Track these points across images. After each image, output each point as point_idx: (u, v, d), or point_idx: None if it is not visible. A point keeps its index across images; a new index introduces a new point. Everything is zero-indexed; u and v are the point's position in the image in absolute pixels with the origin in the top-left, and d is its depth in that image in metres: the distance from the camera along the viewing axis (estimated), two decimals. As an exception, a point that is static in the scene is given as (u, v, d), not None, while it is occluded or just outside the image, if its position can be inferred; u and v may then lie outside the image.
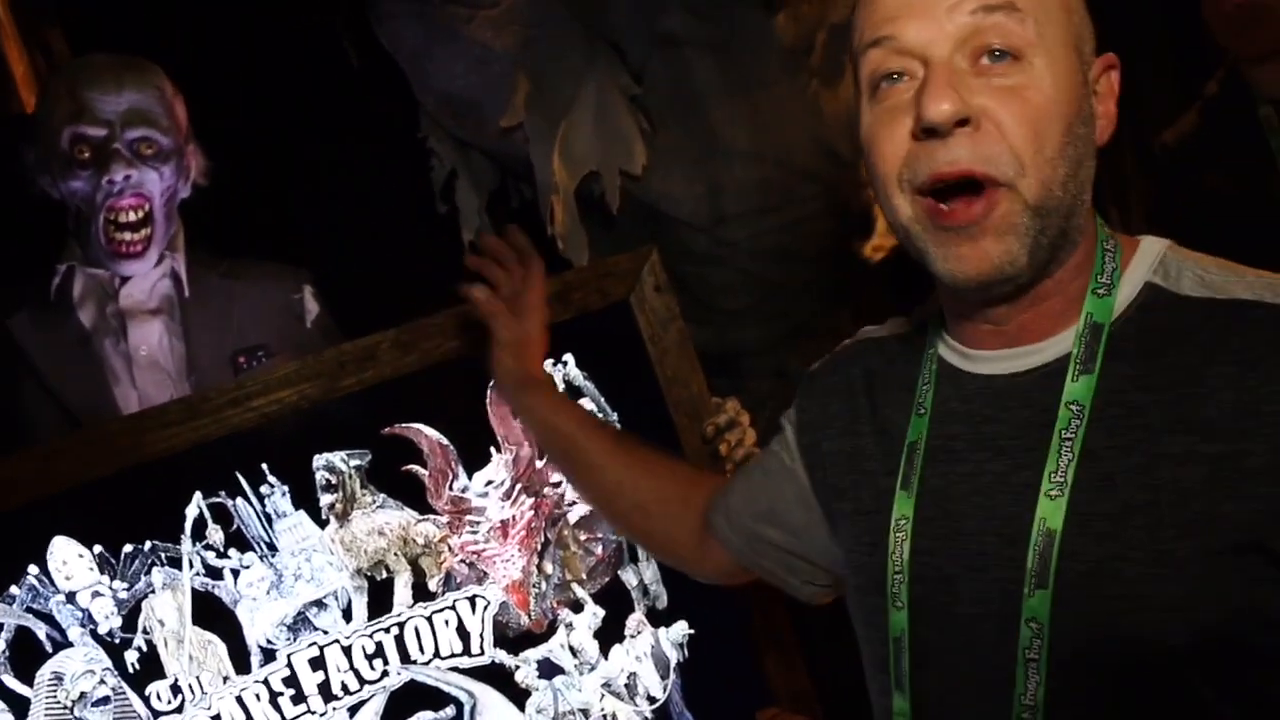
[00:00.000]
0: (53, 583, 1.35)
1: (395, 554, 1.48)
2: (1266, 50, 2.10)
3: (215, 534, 1.41)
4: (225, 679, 1.40)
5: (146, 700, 1.37)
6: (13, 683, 1.33)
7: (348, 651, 1.45)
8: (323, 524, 1.46)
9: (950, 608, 0.95)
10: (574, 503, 1.56)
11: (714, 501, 1.25)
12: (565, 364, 1.58)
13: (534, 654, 1.52)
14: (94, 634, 1.36)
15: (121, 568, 1.38)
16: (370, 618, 1.47)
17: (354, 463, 1.47)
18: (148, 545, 1.39)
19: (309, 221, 2.57)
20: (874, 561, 1.01)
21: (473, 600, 1.51)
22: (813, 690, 1.64)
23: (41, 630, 1.34)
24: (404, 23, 2.37)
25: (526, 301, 1.38)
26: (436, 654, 1.48)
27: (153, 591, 1.38)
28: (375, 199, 2.65)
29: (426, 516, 1.49)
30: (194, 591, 1.40)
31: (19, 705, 1.32)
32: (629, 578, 1.58)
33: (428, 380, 1.52)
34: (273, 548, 1.43)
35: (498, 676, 1.50)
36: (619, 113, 2.33)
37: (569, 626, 1.54)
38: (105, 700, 1.35)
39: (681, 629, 1.58)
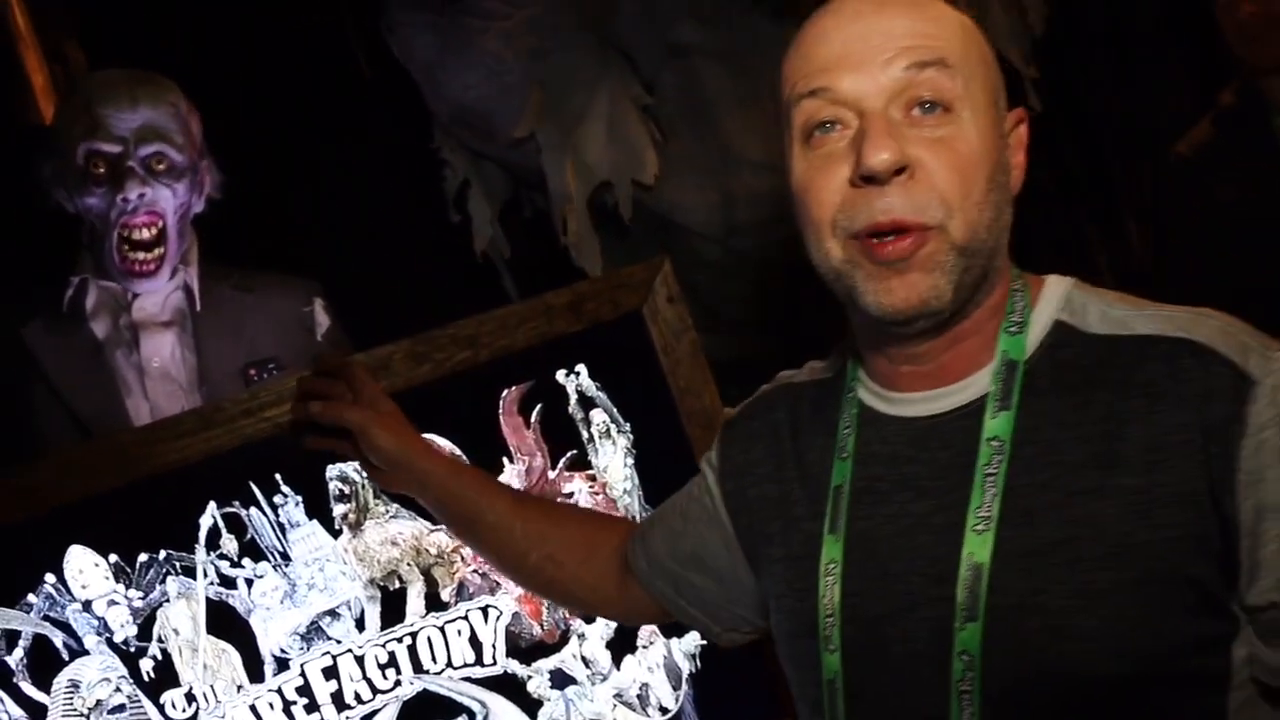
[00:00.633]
0: (69, 591, 1.36)
1: (408, 564, 1.49)
2: (1280, 60, 2.10)
3: (229, 543, 1.42)
4: (239, 688, 1.41)
5: (161, 708, 1.38)
6: (30, 690, 1.34)
7: (361, 661, 1.45)
8: (336, 534, 1.47)
9: (882, 648, 0.96)
10: (586, 513, 1.56)
11: (632, 546, 1.24)
12: (578, 375, 1.58)
13: (546, 664, 1.52)
14: (110, 642, 1.37)
15: (137, 577, 1.39)
16: (383, 627, 1.47)
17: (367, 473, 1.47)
18: (163, 554, 1.40)
19: (322, 232, 2.57)
20: (805, 606, 1.01)
21: (485, 610, 1.51)
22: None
23: (58, 638, 1.35)
24: (416, 33, 2.38)
25: (363, 395, 1.27)
26: (449, 664, 1.49)
27: (167, 600, 1.39)
28: (388, 209, 2.66)
29: (439, 527, 1.49)
30: (208, 600, 1.41)
31: (37, 712, 1.34)
32: (641, 588, 1.58)
33: (440, 391, 1.52)
34: (286, 557, 1.44)
35: (510, 686, 1.50)
36: (631, 122, 2.33)
37: (581, 637, 1.54)
38: (121, 708, 1.36)
39: (694, 640, 1.57)
